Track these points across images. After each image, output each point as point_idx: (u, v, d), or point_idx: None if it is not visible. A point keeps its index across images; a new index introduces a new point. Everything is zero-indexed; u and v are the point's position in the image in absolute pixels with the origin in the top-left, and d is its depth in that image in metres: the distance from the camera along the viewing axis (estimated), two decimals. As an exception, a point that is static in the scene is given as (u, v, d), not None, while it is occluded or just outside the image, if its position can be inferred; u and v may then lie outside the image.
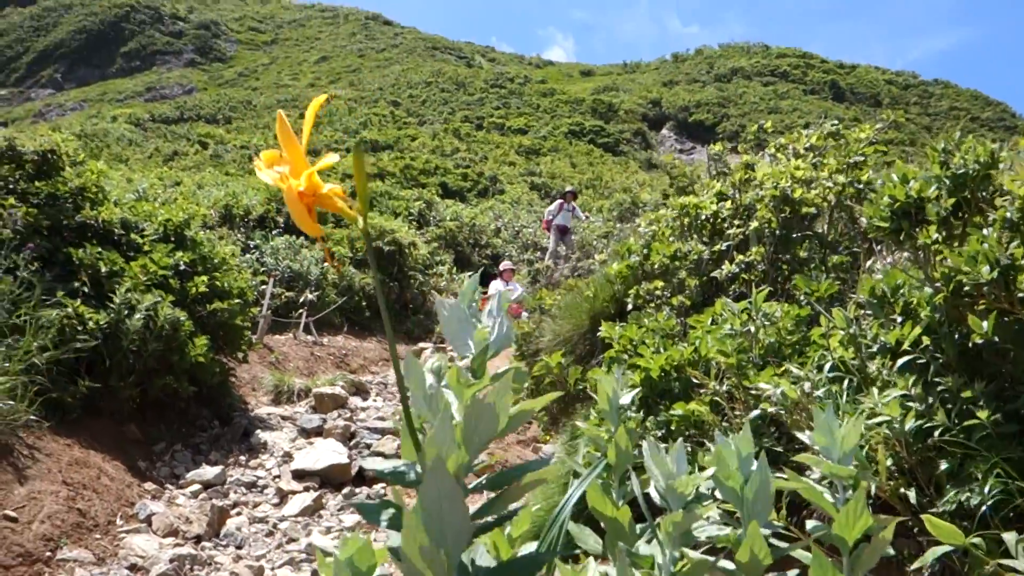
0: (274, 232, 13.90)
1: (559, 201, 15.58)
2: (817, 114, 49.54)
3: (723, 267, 4.46)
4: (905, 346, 2.75)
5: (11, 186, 6.05)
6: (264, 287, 10.91)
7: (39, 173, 6.27)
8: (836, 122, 5.39)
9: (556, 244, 15.31)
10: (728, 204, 4.98)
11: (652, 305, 4.69)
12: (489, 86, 63.91)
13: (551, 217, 15.45)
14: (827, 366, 3.05)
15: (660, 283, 4.73)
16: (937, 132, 52.01)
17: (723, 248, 4.76)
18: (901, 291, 2.94)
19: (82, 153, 6.95)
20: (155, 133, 44.28)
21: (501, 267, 14.06)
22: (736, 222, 4.84)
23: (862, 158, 4.35)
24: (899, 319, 2.89)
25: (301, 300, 12.03)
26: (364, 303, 13.32)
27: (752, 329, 3.46)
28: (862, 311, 3.24)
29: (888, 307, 2.98)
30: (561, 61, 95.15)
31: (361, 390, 9.28)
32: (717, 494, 1.51)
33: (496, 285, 13.99)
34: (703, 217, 5.05)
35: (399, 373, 1.04)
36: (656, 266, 4.90)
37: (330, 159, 1.08)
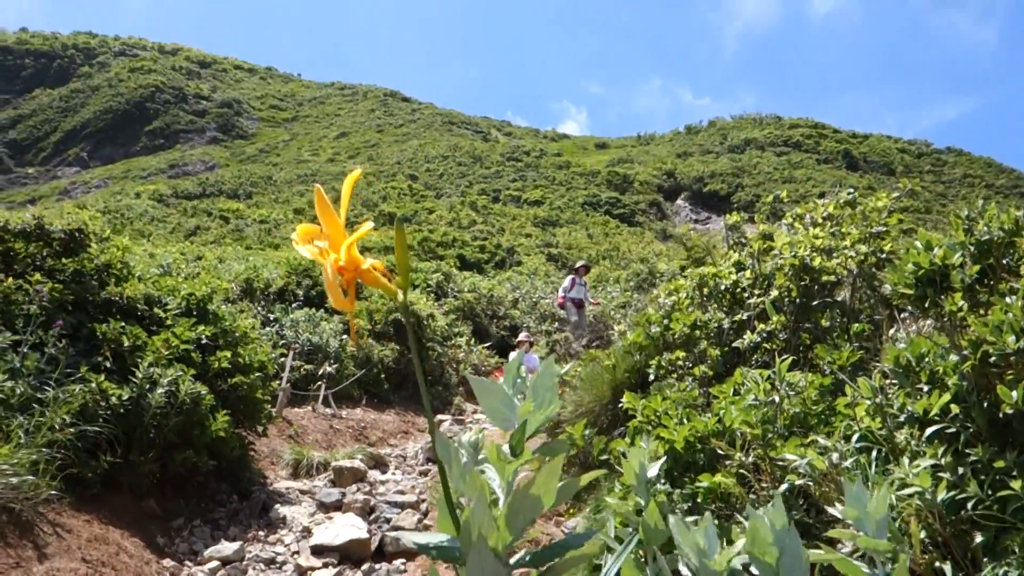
0: (294, 305, 13.98)
1: (571, 276, 15.54)
2: (831, 183, 49.80)
3: (745, 337, 4.45)
4: (933, 415, 2.72)
5: (38, 263, 6.15)
6: (284, 360, 10.93)
7: (66, 250, 6.38)
8: (852, 191, 5.43)
9: (577, 317, 15.21)
10: (747, 273, 4.99)
11: (674, 375, 4.67)
12: (505, 159, 64.80)
13: (564, 293, 15.42)
14: (854, 436, 3.02)
15: (681, 353, 4.72)
16: (952, 200, 52.13)
17: (744, 317, 4.75)
18: (926, 359, 2.92)
19: (107, 230, 7.07)
20: (177, 209, 45.02)
21: (519, 338, 14.07)
22: (756, 291, 4.85)
23: (884, 228, 4.37)
24: (926, 388, 2.87)
25: (320, 373, 12.03)
26: (383, 375, 13.31)
27: (776, 399, 3.43)
28: (887, 380, 3.21)
29: (914, 376, 2.95)
30: (576, 134, 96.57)
31: (380, 463, 9.20)
32: (753, 569, 1.49)
33: (513, 356, 13.98)
34: (723, 287, 5.06)
35: (437, 447, 1.05)
36: (677, 336, 4.89)
37: (367, 226, 1.10)
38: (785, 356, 3.84)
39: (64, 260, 6.35)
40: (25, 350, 5.10)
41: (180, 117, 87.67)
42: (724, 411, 3.52)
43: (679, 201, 58.05)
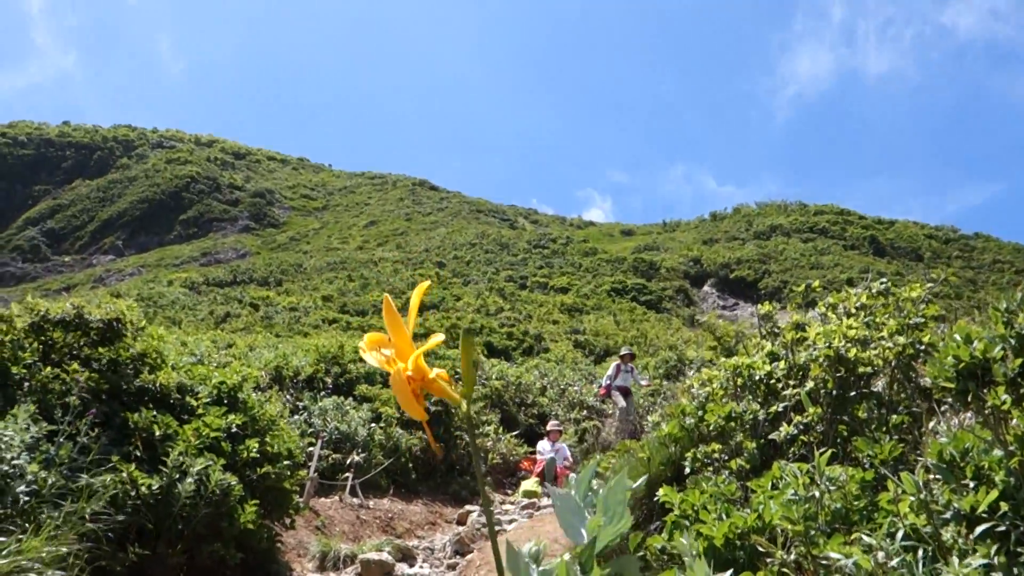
0: (322, 393, 14.00)
1: (616, 363, 15.16)
2: (859, 269, 49.63)
3: (781, 429, 4.39)
4: (981, 512, 2.65)
5: (75, 352, 6.23)
6: (312, 448, 10.89)
7: (103, 339, 6.47)
8: (884, 281, 5.41)
9: (623, 407, 14.69)
10: (781, 364, 4.95)
11: (710, 468, 4.60)
12: (532, 246, 65.33)
13: (609, 382, 15.01)
14: (899, 534, 2.94)
15: (717, 445, 4.66)
16: (982, 285, 51.64)
17: (779, 409, 4.69)
18: (971, 454, 2.86)
19: (143, 319, 7.18)
20: (208, 296, 45.62)
21: (548, 427, 13.93)
22: (791, 382, 4.80)
23: (922, 319, 4.34)
24: (971, 484, 2.80)
25: (348, 462, 11.96)
26: (411, 464, 13.19)
27: (817, 494, 3.36)
28: (930, 475, 3.14)
29: (958, 471, 2.89)
30: (601, 221, 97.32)
31: (408, 556, 9.05)
32: None
33: (543, 445, 13.83)
34: (757, 377, 5.02)
35: (505, 560, 1.04)
36: (712, 427, 4.84)
37: (436, 338, 1.11)
38: (823, 449, 3.78)
39: (101, 349, 6.44)
40: (61, 439, 5.13)
41: (214, 206, 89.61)
42: (763, 506, 3.44)
43: (706, 287, 57.96)
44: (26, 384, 5.80)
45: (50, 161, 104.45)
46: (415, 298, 1.13)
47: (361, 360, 15.62)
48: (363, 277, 52.16)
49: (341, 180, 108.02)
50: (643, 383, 15.15)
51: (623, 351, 15.91)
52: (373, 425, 13.11)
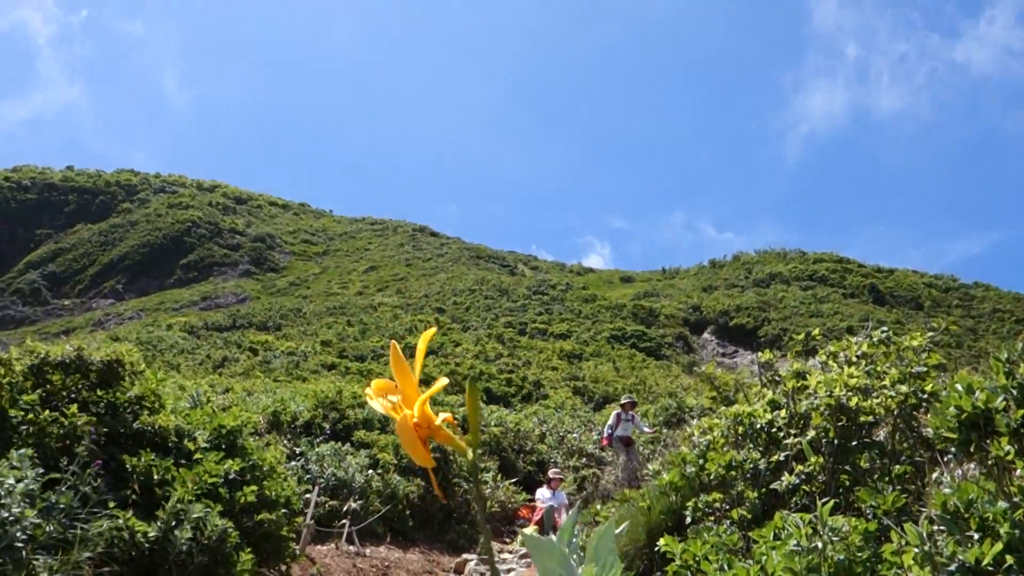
0: (319, 439, 13.91)
1: (616, 412, 14.73)
2: (859, 317, 49.63)
3: (783, 478, 4.36)
4: (986, 564, 2.63)
5: (74, 395, 6.22)
6: (308, 495, 10.80)
7: (102, 382, 6.46)
8: (885, 329, 5.42)
9: (625, 457, 14.33)
10: (782, 413, 4.94)
11: (711, 518, 4.56)
12: (531, 293, 65.37)
13: (610, 432, 14.59)
14: (903, 586, 2.91)
15: (718, 495, 4.62)
16: (983, 334, 51.61)
17: (780, 458, 4.67)
18: (975, 505, 2.84)
19: (142, 363, 7.17)
20: (207, 340, 45.55)
21: (549, 474, 13.79)
22: (792, 431, 4.78)
23: (924, 369, 4.34)
24: (976, 536, 2.78)
25: (345, 509, 11.85)
26: (408, 511, 13.07)
27: (820, 545, 3.33)
28: (934, 526, 3.12)
29: (963, 523, 2.87)
30: (600, 268, 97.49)
31: (404, 605, 8.93)
32: None
33: (542, 493, 13.71)
34: (758, 426, 5.00)
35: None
36: (712, 476, 4.81)
37: (440, 383, 1.12)
38: (826, 499, 3.75)
39: (99, 392, 6.42)
40: (63, 488, 5.09)
41: (215, 251, 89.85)
42: (766, 557, 3.41)
43: (705, 335, 57.89)
44: (23, 428, 5.77)
45: (53, 205, 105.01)
46: (422, 344, 1.14)
47: (360, 406, 15.55)
48: (362, 322, 52.13)
49: (342, 226, 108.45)
50: (645, 431, 14.90)
51: (623, 399, 15.46)
52: (371, 472, 13.02)
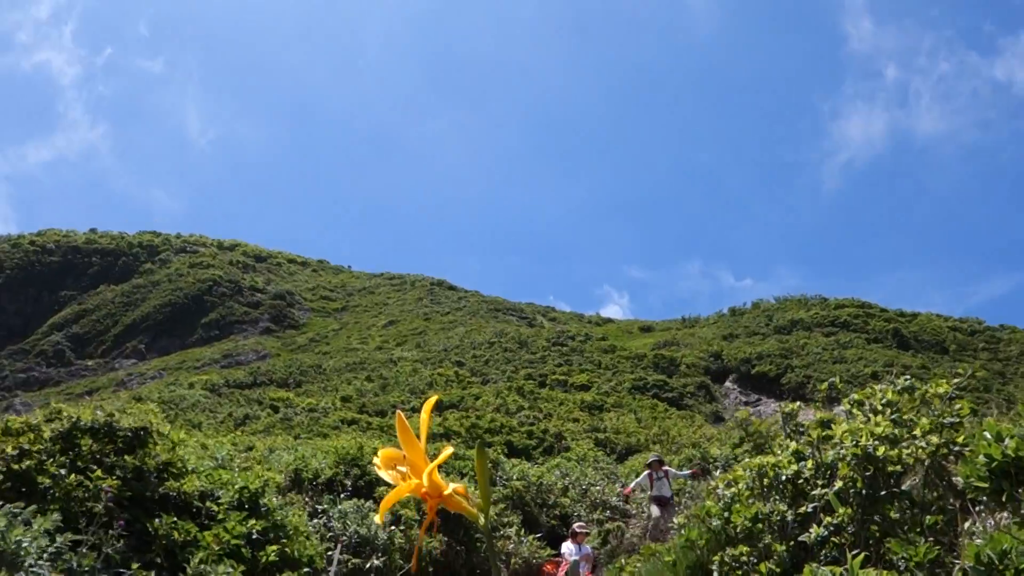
0: (342, 495, 13.84)
1: (647, 472, 14.28)
2: (883, 363, 49.10)
3: (811, 531, 4.30)
4: (1023, 618, 2.57)
5: (102, 460, 6.25)
6: (331, 553, 10.71)
7: (129, 448, 6.49)
8: (908, 377, 5.37)
9: (660, 516, 13.56)
10: (808, 463, 4.88)
11: (738, 572, 4.49)
12: (551, 344, 65.22)
13: (642, 492, 14.22)
14: (939, 641, 2.85)
15: (745, 548, 4.56)
16: (1011, 378, 50.92)
17: (808, 510, 4.61)
18: (1009, 556, 2.79)
19: (168, 426, 7.20)
20: (228, 398, 45.65)
21: (574, 528, 13.60)
22: (819, 482, 4.72)
23: (957, 420, 4.29)
24: (1011, 588, 2.72)
25: (367, 566, 11.73)
26: (430, 568, 12.93)
27: (851, 599, 3.27)
28: (968, 578, 3.06)
29: (997, 574, 2.82)
30: (619, 318, 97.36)
31: (429, 666, 8.79)
32: None
33: (567, 547, 13.52)
34: (783, 477, 4.94)
35: None
36: (739, 529, 4.74)
37: (447, 452, 1.13)
38: (856, 551, 3.69)
39: (127, 457, 6.45)
40: (84, 550, 5.10)
41: (235, 309, 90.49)
42: (796, 612, 3.35)
43: (727, 383, 57.41)
44: (50, 493, 5.80)
45: (76, 267, 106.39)
46: (424, 414, 1.15)
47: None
48: (382, 377, 52.13)
49: (360, 281, 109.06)
50: (683, 475, 14.54)
51: (651, 458, 15.03)
52: (393, 528, 12.91)
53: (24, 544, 4.91)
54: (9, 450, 5.77)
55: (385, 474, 1.10)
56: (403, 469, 1.10)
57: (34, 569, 4.88)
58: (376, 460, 1.13)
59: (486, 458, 1.08)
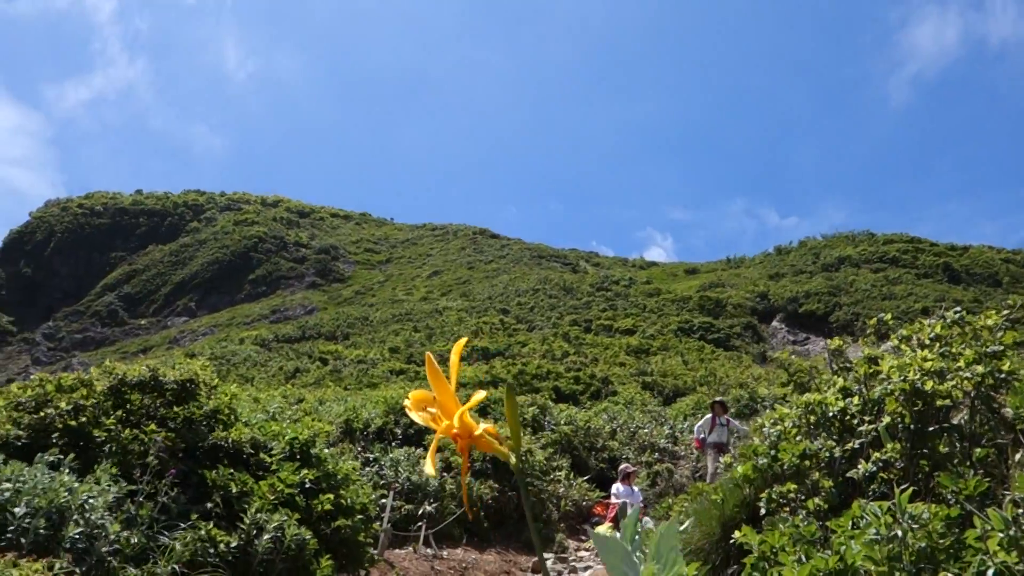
0: (393, 444, 14.08)
1: (709, 416, 13.76)
2: (934, 298, 48.27)
3: (859, 466, 4.27)
4: (1075, 548, 2.54)
5: (152, 413, 6.41)
6: (384, 500, 10.94)
7: (178, 400, 6.64)
8: (958, 310, 5.26)
9: (715, 465, 13.54)
10: (855, 400, 4.83)
11: (786, 509, 4.49)
12: (595, 289, 65.16)
13: (703, 435, 13.81)
14: (989, 572, 2.83)
15: (793, 485, 4.55)
16: (1067, 308, 49.75)
17: (856, 446, 4.57)
18: (1061, 487, 2.75)
19: (216, 378, 7.35)
20: (278, 352, 46.47)
21: (622, 469, 13.64)
22: (866, 418, 4.68)
23: (1000, 347, 4.20)
24: (1063, 518, 2.69)
25: (420, 512, 11.97)
26: (483, 513, 13.14)
27: (900, 533, 3.25)
28: (1019, 510, 3.03)
29: (1049, 505, 2.78)
30: (663, 261, 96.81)
31: (483, 607, 8.99)
32: None
33: (617, 488, 13.63)
34: (830, 414, 4.90)
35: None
36: (786, 467, 4.73)
37: (479, 395, 1.13)
38: (904, 486, 3.67)
39: (176, 409, 6.61)
40: (141, 499, 5.26)
41: (281, 265, 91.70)
42: (845, 547, 3.35)
43: (775, 323, 56.96)
44: (107, 447, 5.97)
45: (124, 228, 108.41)
46: (454, 355, 1.15)
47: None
48: (428, 327, 52.60)
49: (403, 233, 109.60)
50: (743, 429, 14.14)
51: (715, 399, 14.58)
52: (444, 475, 13.11)
53: (90, 500, 5.08)
54: (63, 406, 5.94)
55: (416, 415, 1.11)
56: (433, 411, 1.10)
57: (100, 522, 5.05)
58: (406, 402, 1.14)
59: (515, 400, 1.07)
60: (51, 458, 5.42)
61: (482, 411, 16.78)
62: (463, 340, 1.20)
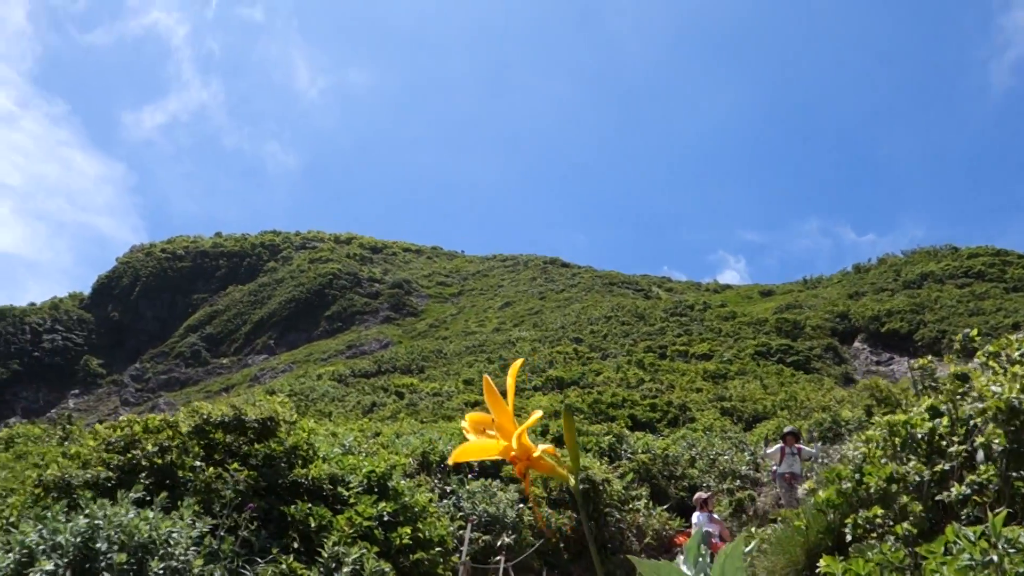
0: (470, 476, 14.06)
1: (779, 446, 13.58)
2: (1025, 312, 46.41)
3: (950, 489, 4.10)
4: None
5: (235, 450, 6.54)
6: (462, 533, 10.91)
7: (259, 437, 6.77)
8: (1051, 322, 5.04)
9: (787, 497, 12.96)
10: (944, 420, 4.65)
11: (873, 535, 4.32)
12: (668, 315, 64.48)
13: (775, 467, 13.58)
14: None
15: (879, 510, 4.38)
16: None
17: (945, 468, 4.39)
18: None
19: (295, 414, 7.47)
20: (355, 387, 47.08)
21: (698, 496, 13.37)
22: (955, 438, 4.49)
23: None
24: None
25: (498, 544, 11.90)
26: (561, 544, 13.01)
27: (995, 559, 3.10)
28: None
29: None
30: (737, 283, 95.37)
31: (565, 640, 8.86)
32: None
33: (697, 517, 13.35)
34: (918, 435, 4.72)
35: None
36: (872, 491, 4.56)
37: (535, 415, 1.11)
38: (999, 509, 3.50)
39: (257, 446, 6.73)
40: (222, 533, 5.34)
41: (355, 300, 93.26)
42: (937, 574, 3.20)
43: (856, 343, 55.44)
44: (191, 484, 6.11)
45: (205, 271, 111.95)
46: (510, 377, 1.13)
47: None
48: (502, 358, 52.69)
49: (474, 265, 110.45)
50: (815, 452, 13.80)
51: (786, 430, 14.25)
52: (521, 506, 13.04)
53: (173, 534, 5.19)
54: (150, 447, 6.10)
55: (474, 437, 1.10)
56: (492, 433, 1.09)
57: (183, 557, 5.15)
58: (464, 424, 1.13)
59: (572, 421, 1.05)
60: (136, 495, 5.56)
61: (559, 441, 16.67)
62: (519, 362, 1.19)
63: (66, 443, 12.20)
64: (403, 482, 8.31)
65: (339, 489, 7.20)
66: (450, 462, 1.13)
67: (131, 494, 5.33)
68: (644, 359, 49.16)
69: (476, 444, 1.11)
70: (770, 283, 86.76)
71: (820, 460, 12.97)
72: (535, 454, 1.07)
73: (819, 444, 15.11)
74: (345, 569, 6.05)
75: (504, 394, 1.14)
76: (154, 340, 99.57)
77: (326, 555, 6.06)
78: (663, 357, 51.15)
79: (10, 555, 4.78)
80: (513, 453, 1.06)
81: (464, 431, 1.14)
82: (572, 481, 1.05)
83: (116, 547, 4.82)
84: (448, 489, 13.30)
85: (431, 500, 8.98)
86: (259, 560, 5.58)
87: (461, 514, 12.28)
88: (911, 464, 4.66)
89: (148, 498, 5.62)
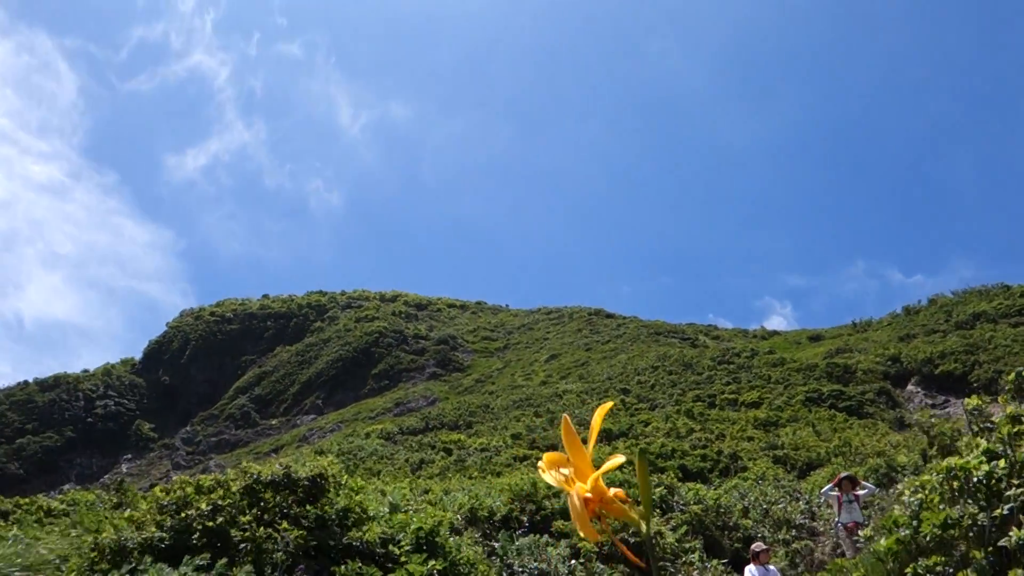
0: (519, 532, 13.94)
1: (836, 495, 13.38)
2: (1085, 349, 45.10)
3: (1011, 534, 3.99)
4: None
5: (285, 510, 6.59)
6: (513, 590, 10.80)
7: (309, 497, 6.82)
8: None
9: (850, 548, 12.57)
10: (1001, 463, 4.54)
11: (934, 583, 4.21)
12: (716, 363, 63.75)
13: (836, 519, 13.31)
14: None
15: (939, 558, 4.27)
16: None
17: (1005, 512, 4.28)
18: None
19: (344, 474, 7.52)
20: (403, 445, 47.09)
21: (753, 549, 13.10)
22: (1015, 481, 4.38)
23: None
24: None
25: (551, 601, 11.74)
26: (615, 600, 12.79)
27: (1062, 605, 3.01)
28: None
29: None
30: (783, 329, 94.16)
31: None
32: None
33: (751, 570, 13.07)
34: (975, 479, 4.61)
35: None
36: (929, 537, 4.46)
37: (616, 460, 1.13)
38: (1063, 553, 3.41)
39: (308, 507, 6.78)
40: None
41: (402, 358, 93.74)
42: (1000, 622, 3.11)
43: (910, 386, 54.16)
44: (243, 545, 6.16)
45: (254, 332, 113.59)
46: (596, 418, 1.17)
47: (556, 495, 15.51)
48: (549, 411, 52.40)
49: (519, 318, 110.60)
50: (873, 489, 13.46)
51: (842, 475, 13.96)
52: (573, 562, 12.87)
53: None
54: (203, 507, 6.18)
55: (549, 476, 1.13)
56: (566, 472, 1.12)
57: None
58: (540, 464, 1.16)
59: (646, 466, 1.08)
60: (201, 562, 5.62)
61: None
62: (608, 404, 1.22)
63: (120, 508, 12.38)
64: (452, 539, 8.28)
65: (390, 548, 7.21)
66: (540, 467, 1.16)
67: (195, 560, 5.39)
68: (693, 408, 48.55)
69: (556, 475, 1.14)
70: (818, 327, 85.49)
71: (877, 505, 12.68)
72: (608, 496, 1.09)
73: (874, 489, 14.75)
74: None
75: (584, 438, 1.18)
76: (204, 403, 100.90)
77: (377, 615, 6.05)
78: (712, 406, 50.48)
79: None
80: (587, 494, 1.09)
81: (540, 470, 1.18)
82: (643, 527, 1.07)
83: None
84: (496, 545, 13.20)
85: (480, 557, 8.92)
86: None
87: (510, 571, 12.15)
88: (968, 508, 4.55)
89: (202, 563, 5.67)
